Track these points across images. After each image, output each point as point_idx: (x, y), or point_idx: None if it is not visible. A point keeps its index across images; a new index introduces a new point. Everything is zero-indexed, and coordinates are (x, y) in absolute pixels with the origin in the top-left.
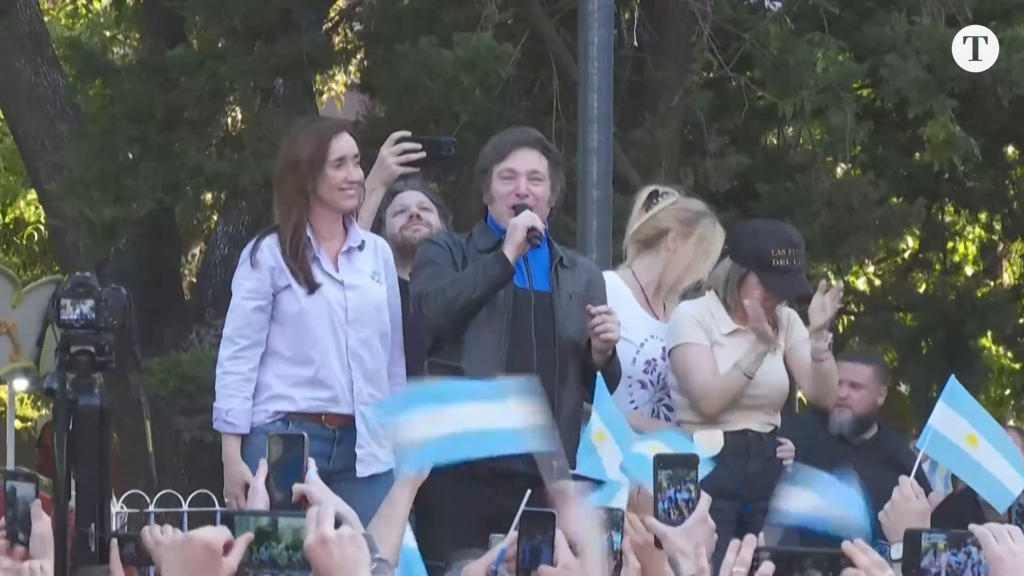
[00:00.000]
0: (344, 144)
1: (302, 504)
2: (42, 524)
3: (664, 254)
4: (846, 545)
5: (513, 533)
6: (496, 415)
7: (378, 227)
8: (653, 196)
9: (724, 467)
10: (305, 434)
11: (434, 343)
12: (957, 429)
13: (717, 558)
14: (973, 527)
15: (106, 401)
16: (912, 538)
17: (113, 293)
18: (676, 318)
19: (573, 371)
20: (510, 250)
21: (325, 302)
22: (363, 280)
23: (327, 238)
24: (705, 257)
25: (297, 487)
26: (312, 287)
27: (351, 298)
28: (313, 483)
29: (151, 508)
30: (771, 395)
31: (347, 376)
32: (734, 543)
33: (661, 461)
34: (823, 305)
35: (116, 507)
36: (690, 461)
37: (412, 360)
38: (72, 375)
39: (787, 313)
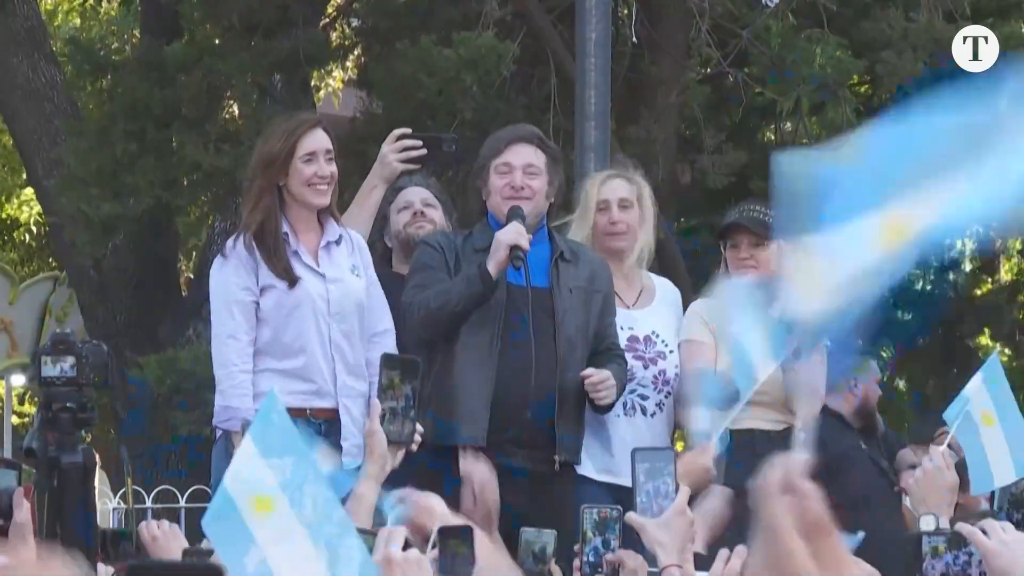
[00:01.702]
0: (315, 139)
1: None
2: (22, 512)
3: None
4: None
5: (433, 552)
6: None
7: (382, 224)
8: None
9: (732, 463)
10: None
11: (426, 345)
12: (980, 403)
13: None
14: (960, 526)
15: (89, 458)
16: (913, 542)
17: (94, 349)
18: (687, 313)
19: (574, 368)
20: (492, 266)
21: (307, 295)
22: (343, 274)
23: (304, 233)
24: (584, 213)
25: None
26: (292, 281)
27: (333, 291)
28: None
29: (148, 504)
30: (780, 394)
31: (330, 368)
32: (723, 552)
33: (638, 455)
34: None
35: (114, 503)
36: (667, 455)
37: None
38: (55, 433)
39: None
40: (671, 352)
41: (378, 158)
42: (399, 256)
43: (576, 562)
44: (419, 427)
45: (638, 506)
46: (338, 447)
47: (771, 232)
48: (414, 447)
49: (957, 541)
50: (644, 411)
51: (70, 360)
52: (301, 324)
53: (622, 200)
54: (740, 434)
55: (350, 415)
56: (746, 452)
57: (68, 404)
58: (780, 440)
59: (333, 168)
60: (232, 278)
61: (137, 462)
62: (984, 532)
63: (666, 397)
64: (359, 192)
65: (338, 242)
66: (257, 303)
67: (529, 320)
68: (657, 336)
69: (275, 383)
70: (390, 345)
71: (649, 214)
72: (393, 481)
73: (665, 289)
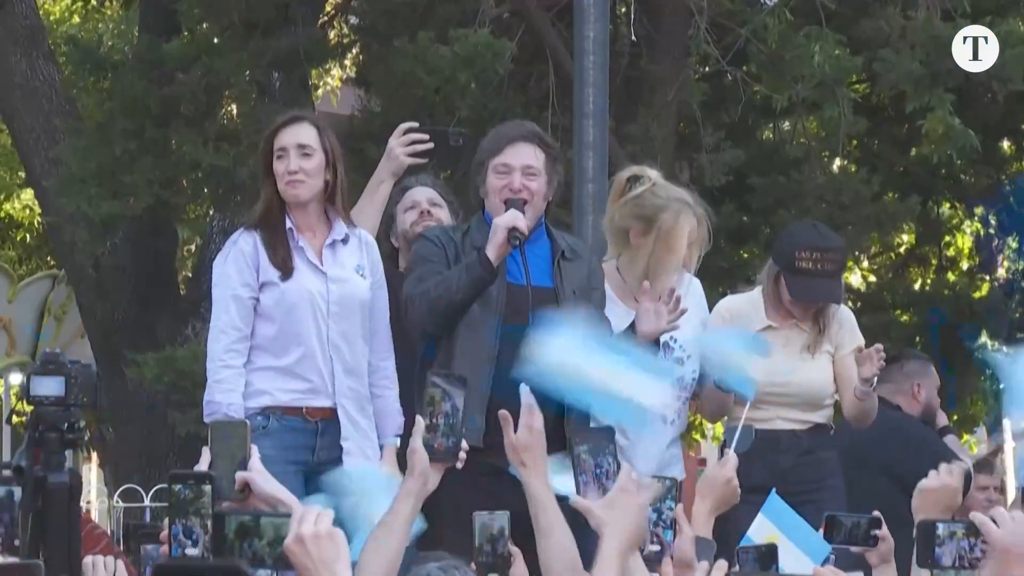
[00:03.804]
0: (287, 135)
1: (244, 491)
2: None
3: (633, 251)
4: (817, 569)
5: None
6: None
7: (388, 223)
8: (631, 182)
9: (755, 462)
10: (248, 421)
11: (430, 343)
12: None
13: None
14: (973, 515)
15: (75, 479)
16: (926, 529)
17: (84, 370)
18: (713, 312)
19: None
20: (491, 251)
21: (307, 292)
22: (347, 273)
23: (308, 230)
24: (669, 251)
25: (239, 475)
26: (288, 272)
27: (333, 290)
28: (256, 471)
29: (147, 503)
30: (805, 394)
31: (328, 367)
32: (703, 565)
33: (577, 437)
34: (872, 359)
35: (113, 501)
36: (607, 434)
37: (408, 359)
38: (42, 452)
39: (841, 318)
40: (689, 357)
41: (385, 153)
42: (406, 256)
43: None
44: (464, 444)
45: (581, 488)
46: (337, 446)
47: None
48: (459, 464)
49: (974, 529)
50: (664, 419)
51: (59, 380)
52: (299, 321)
53: (692, 240)
54: (764, 432)
55: (348, 416)
56: (770, 448)
57: (56, 424)
58: (807, 439)
59: (308, 162)
60: (233, 273)
61: (136, 461)
62: (995, 521)
63: (684, 404)
64: (367, 187)
65: (345, 241)
66: (257, 299)
67: (530, 320)
68: (675, 341)
69: (271, 380)
70: (390, 369)
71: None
72: None
73: (687, 287)
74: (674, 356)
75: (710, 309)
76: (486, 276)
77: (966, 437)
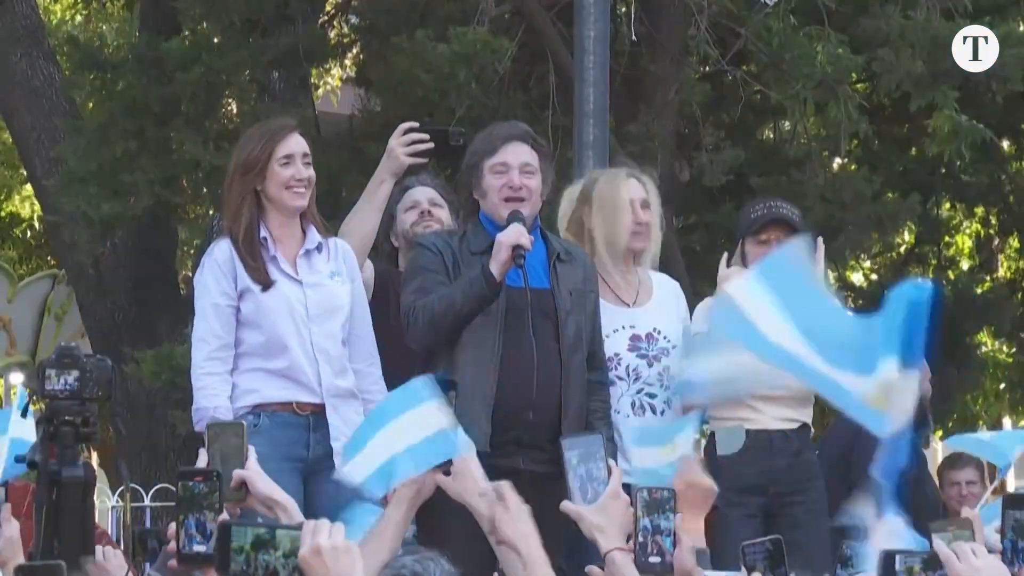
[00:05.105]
0: (293, 143)
1: (242, 490)
2: (10, 528)
3: (587, 231)
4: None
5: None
6: (421, 424)
7: (388, 223)
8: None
9: (746, 463)
10: (244, 422)
11: (430, 350)
12: None
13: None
14: (937, 546)
15: (89, 472)
16: (886, 560)
17: (99, 364)
18: (698, 308)
19: (577, 369)
20: (495, 268)
21: (285, 300)
22: (322, 279)
23: (283, 240)
24: (615, 212)
25: (237, 473)
26: (267, 284)
27: (311, 295)
28: (253, 471)
29: (146, 502)
30: (794, 386)
31: (315, 369)
32: None
33: (566, 442)
34: None
35: (113, 501)
36: (596, 439)
37: (406, 366)
38: (56, 446)
39: None
40: (674, 347)
41: (385, 152)
42: (406, 255)
43: (630, 543)
44: None
45: (572, 493)
46: (328, 446)
47: (802, 228)
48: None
49: (933, 561)
50: (654, 409)
51: (74, 374)
52: (281, 330)
53: (643, 200)
54: (756, 433)
55: (339, 414)
56: (761, 449)
57: (70, 418)
58: (796, 439)
59: (311, 172)
60: (211, 283)
61: (135, 460)
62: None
63: (673, 394)
64: (367, 188)
65: (319, 249)
66: (237, 308)
67: (528, 322)
68: (659, 332)
69: (262, 381)
70: (377, 375)
71: (658, 213)
72: None
73: (663, 283)
74: (659, 346)
75: None
76: (490, 293)
77: None
